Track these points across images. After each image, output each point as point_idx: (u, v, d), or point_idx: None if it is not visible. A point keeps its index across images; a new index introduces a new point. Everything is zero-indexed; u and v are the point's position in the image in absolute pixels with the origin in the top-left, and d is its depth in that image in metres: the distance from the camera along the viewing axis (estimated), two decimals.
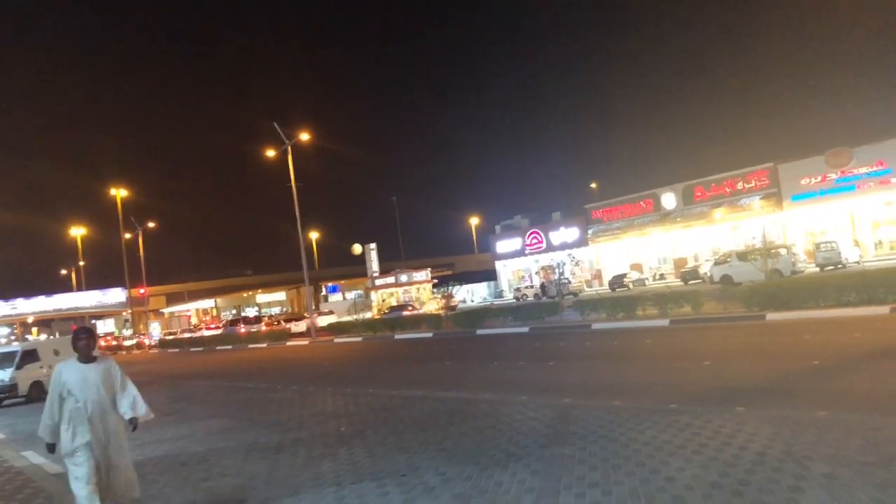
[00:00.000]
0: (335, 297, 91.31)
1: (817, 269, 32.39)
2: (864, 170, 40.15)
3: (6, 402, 20.32)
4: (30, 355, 21.14)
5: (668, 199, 51.95)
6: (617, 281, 48.44)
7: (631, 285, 46.96)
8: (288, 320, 57.06)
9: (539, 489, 5.69)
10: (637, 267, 54.11)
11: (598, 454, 6.54)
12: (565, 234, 60.62)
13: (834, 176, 41.52)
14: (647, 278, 50.55)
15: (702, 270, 40.88)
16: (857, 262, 33.54)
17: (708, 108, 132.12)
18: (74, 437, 5.64)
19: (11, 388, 20.17)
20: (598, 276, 57.24)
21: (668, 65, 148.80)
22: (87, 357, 5.88)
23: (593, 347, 17.28)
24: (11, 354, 21.26)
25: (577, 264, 58.89)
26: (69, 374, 5.77)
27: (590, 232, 57.81)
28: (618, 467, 6.04)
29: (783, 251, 31.25)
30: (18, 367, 20.40)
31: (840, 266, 32.03)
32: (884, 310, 15.71)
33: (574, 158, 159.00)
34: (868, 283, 17.20)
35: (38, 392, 20.41)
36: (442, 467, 6.76)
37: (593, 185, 79.31)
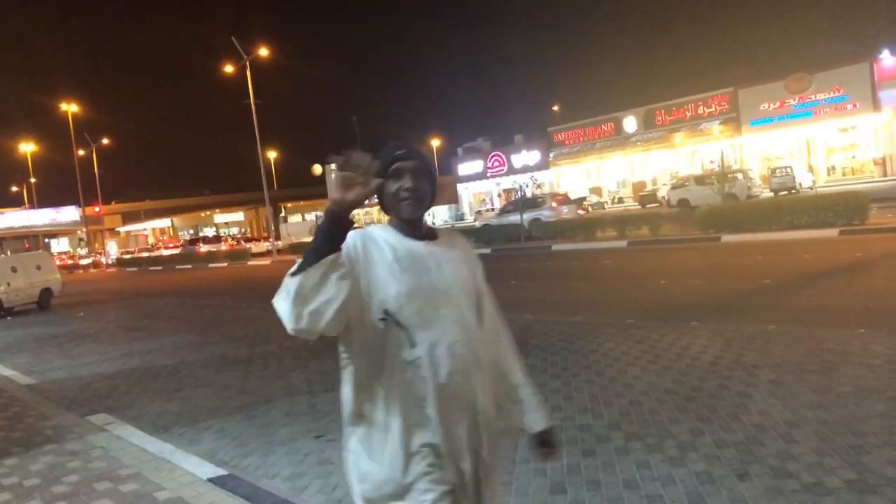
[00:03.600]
0: (294, 219, 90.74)
1: (772, 193, 33.12)
2: (821, 96, 40.66)
3: None
4: None
5: (629, 123, 52.13)
6: (576, 203, 48.93)
7: (590, 208, 47.54)
8: (248, 240, 56.85)
9: None
10: (597, 190, 54.62)
11: (560, 364, 6.86)
12: (527, 156, 60.64)
13: (792, 102, 41.99)
14: (606, 201, 51.16)
15: (660, 194, 41.47)
16: (811, 188, 34.33)
17: (670, 32, 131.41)
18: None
19: None
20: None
21: None
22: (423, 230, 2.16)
23: (554, 267, 17.67)
24: None
25: (538, 187, 59.28)
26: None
27: (551, 155, 57.92)
28: (578, 376, 6.37)
29: (739, 176, 31.82)
30: None
31: (794, 191, 32.77)
32: (833, 232, 16.29)
33: (536, 81, 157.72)
34: (819, 207, 17.74)
35: None
36: None
37: (555, 109, 79.04)
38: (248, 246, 49.75)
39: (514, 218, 29.29)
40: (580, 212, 32.48)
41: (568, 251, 21.35)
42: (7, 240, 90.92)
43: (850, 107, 39.60)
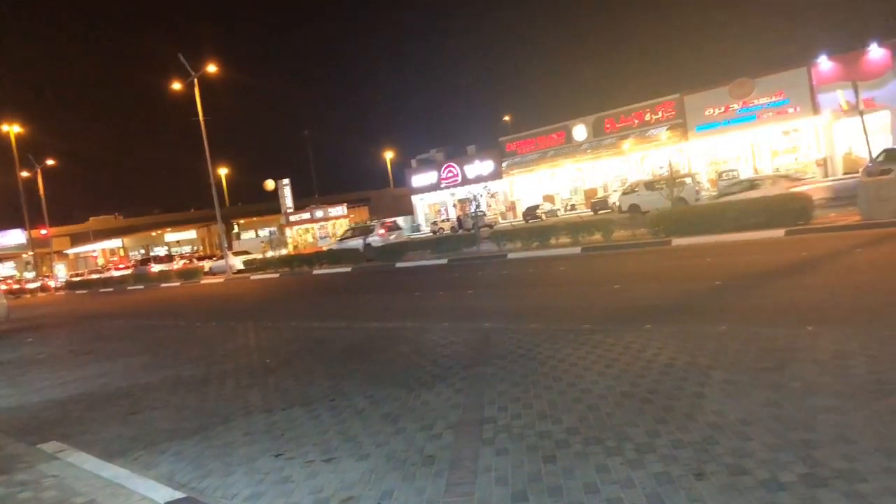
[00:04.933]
0: (248, 235, 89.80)
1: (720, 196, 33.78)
2: (764, 100, 41.78)
3: None
4: None
5: (579, 131, 52.87)
6: (530, 212, 49.36)
7: (544, 216, 47.98)
8: (202, 258, 56.01)
9: (464, 405, 6.01)
10: (549, 198, 55.20)
11: (518, 372, 6.91)
12: (480, 167, 61.03)
13: (736, 106, 43.05)
14: (559, 209, 51.72)
15: (611, 200, 42.09)
16: None
17: (617, 41, 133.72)
18: None
19: None
20: (512, 207, 58.12)
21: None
22: None
23: (510, 276, 17.78)
24: None
25: (492, 196, 59.66)
26: None
27: (504, 164, 58.38)
28: (536, 383, 6.41)
29: (688, 180, 32.47)
30: None
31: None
32: (780, 233, 16.70)
33: (488, 92, 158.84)
34: (766, 208, 18.18)
35: None
36: (370, 391, 7.01)
37: (507, 119, 79.74)
38: (200, 264, 48.95)
39: (353, 243, 35.74)
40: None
41: (523, 259, 21.51)
42: None
43: (791, 110, 40.76)
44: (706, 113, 44.55)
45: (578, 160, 52.77)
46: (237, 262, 43.04)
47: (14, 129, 60.10)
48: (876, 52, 37.10)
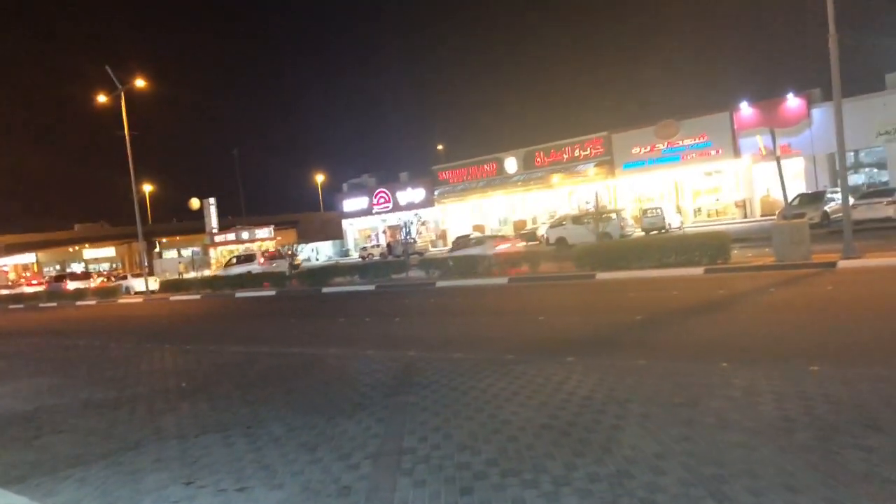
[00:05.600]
0: (170, 254, 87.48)
1: (643, 233, 34.74)
2: (688, 142, 43.26)
3: None
4: None
5: (511, 164, 53.63)
6: (461, 242, 49.62)
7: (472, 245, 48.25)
8: (119, 277, 54.16)
9: (384, 434, 5.94)
10: (480, 228, 55.62)
11: (440, 401, 6.88)
12: (412, 194, 61.17)
13: (662, 146, 44.44)
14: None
15: (539, 232, 42.71)
16: (679, 228, 36.26)
17: (549, 78, 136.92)
18: None
19: None
20: (443, 236, 58.33)
21: (514, 34, 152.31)
22: None
23: (437, 304, 17.78)
24: None
25: (423, 224, 59.80)
26: None
27: (436, 193, 58.66)
28: (458, 413, 6.40)
29: (613, 216, 33.25)
30: None
31: (664, 230, 34.51)
32: (699, 271, 17.21)
33: (422, 120, 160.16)
34: (686, 246, 18.74)
35: None
36: (288, 418, 6.86)
37: (440, 148, 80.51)
38: (119, 283, 47.17)
39: (237, 270, 39.49)
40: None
41: (452, 287, 21.56)
42: None
43: (713, 152, 42.30)
44: (633, 151, 45.85)
45: (509, 192, 53.46)
46: (139, 283, 42.36)
47: None
48: (793, 101, 38.92)
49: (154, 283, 41.54)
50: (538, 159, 51.88)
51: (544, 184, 50.60)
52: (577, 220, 34.17)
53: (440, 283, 22.85)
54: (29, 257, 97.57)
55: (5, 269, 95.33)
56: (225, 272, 40.01)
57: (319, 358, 10.49)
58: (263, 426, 6.65)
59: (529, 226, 49.38)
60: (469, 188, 56.33)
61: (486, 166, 55.66)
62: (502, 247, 29.47)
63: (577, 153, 49.48)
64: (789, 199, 22.71)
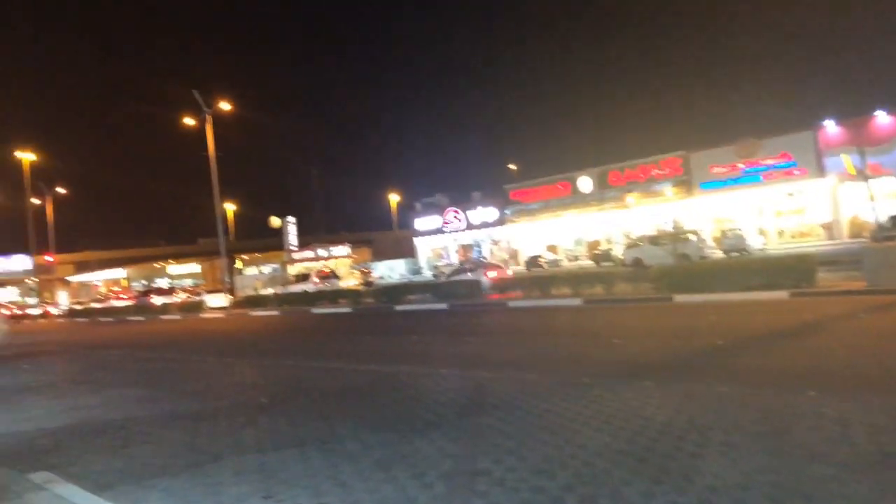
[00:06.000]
0: (251, 271, 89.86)
1: (723, 254, 33.87)
2: (770, 161, 42.09)
3: None
4: None
5: (585, 183, 53.18)
6: (533, 261, 49.43)
7: (546, 266, 48.01)
8: (197, 294, 55.84)
9: (457, 455, 5.93)
10: (552, 248, 55.27)
11: (514, 423, 6.83)
12: (484, 213, 61.28)
13: (742, 166, 43.35)
14: (561, 259, 51.76)
15: (614, 253, 42.17)
16: (761, 249, 35.22)
17: (627, 95, 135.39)
18: None
19: None
20: (514, 256, 58.19)
21: (589, 51, 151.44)
22: None
23: (510, 324, 17.71)
24: None
25: (494, 243, 59.81)
26: None
27: (508, 212, 58.62)
28: (532, 435, 6.34)
29: (692, 237, 32.54)
30: None
31: (744, 252, 33.57)
32: (783, 294, 16.65)
33: (495, 139, 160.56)
34: (770, 269, 18.17)
35: None
36: (363, 435, 6.93)
37: (512, 167, 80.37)
38: (199, 299, 48.61)
39: (295, 288, 42.00)
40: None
41: (524, 308, 21.46)
42: None
43: (796, 172, 41.03)
44: (712, 171, 44.84)
45: (582, 211, 53.00)
46: (214, 300, 45.05)
47: (26, 157, 60.70)
48: (883, 119, 37.45)
49: (225, 300, 42.85)
50: (613, 178, 51.29)
51: (619, 203, 49.96)
52: (654, 240, 33.59)
53: (513, 303, 22.76)
54: (119, 273, 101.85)
55: (97, 283, 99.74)
56: (284, 290, 42.94)
57: (393, 375, 10.57)
58: (339, 442, 6.74)
59: (603, 246, 48.80)
60: (541, 208, 56.08)
61: (559, 185, 55.36)
62: (491, 274, 30.61)
63: (653, 172, 48.73)
64: (881, 221, 21.77)
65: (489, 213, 60.80)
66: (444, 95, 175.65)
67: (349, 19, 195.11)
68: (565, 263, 50.08)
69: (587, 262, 46.63)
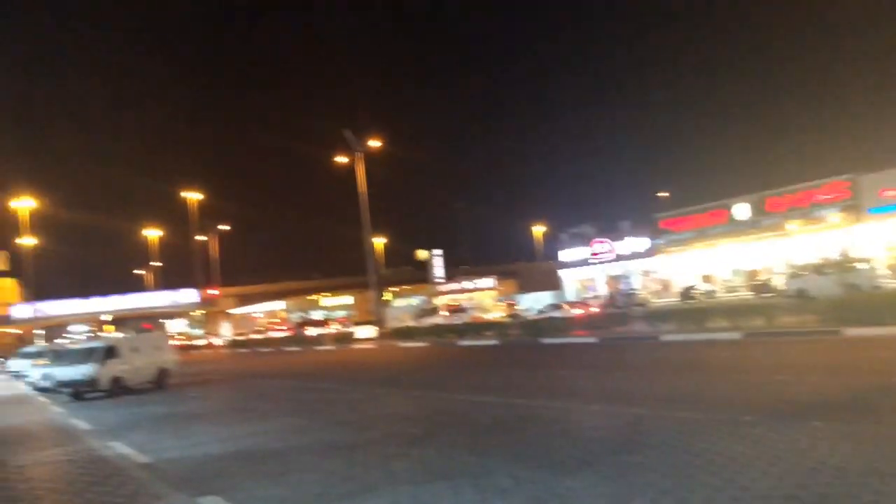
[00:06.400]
0: (399, 303, 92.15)
1: None
2: None
3: (88, 395, 21.21)
4: (110, 351, 21.99)
5: (741, 210, 50.75)
6: (686, 292, 47.56)
7: (701, 297, 46.07)
8: (353, 325, 57.87)
9: (611, 494, 5.75)
10: (708, 278, 52.99)
11: (670, 463, 6.55)
12: (633, 243, 59.82)
13: None
14: (716, 290, 49.49)
15: (774, 283, 39.91)
16: None
17: (783, 117, 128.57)
18: None
19: (93, 382, 21.01)
20: (666, 287, 56.30)
21: (742, 72, 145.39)
22: None
23: (663, 358, 17.10)
24: (94, 350, 22.18)
25: (645, 275, 58.18)
26: None
27: (659, 242, 56.94)
28: (691, 476, 6.05)
29: (863, 265, 30.24)
30: (100, 363, 21.26)
31: None
32: None
33: (643, 168, 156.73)
34: None
35: (117, 387, 21.26)
36: (514, 470, 6.87)
37: (662, 195, 78.04)
38: (350, 330, 50.18)
39: (427, 321, 43.27)
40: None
41: (678, 342, 20.66)
42: (130, 320, 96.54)
43: None
44: (883, 195, 41.60)
45: (739, 240, 50.53)
46: (361, 331, 46.05)
47: (193, 197, 65.74)
48: None
49: (374, 332, 44.11)
50: (772, 205, 48.65)
51: (779, 231, 47.29)
52: (819, 269, 31.45)
53: (666, 337, 21.98)
54: (277, 305, 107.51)
55: (257, 315, 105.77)
56: (417, 323, 44.39)
57: (542, 410, 10.45)
58: (490, 477, 6.71)
59: (763, 276, 46.26)
60: (694, 237, 54.07)
61: (712, 213, 53.13)
62: (576, 311, 30.65)
63: (817, 197, 45.81)
64: None
65: (639, 243, 59.29)
66: (590, 124, 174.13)
67: (494, 53, 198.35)
68: (721, 294, 47.85)
69: (745, 294, 44.36)
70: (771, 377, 11.82)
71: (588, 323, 27.88)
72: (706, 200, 54.51)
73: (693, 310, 24.65)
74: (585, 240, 66.02)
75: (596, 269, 64.37)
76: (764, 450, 6.68)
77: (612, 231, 63.62)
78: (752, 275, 49.30)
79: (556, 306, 38.71)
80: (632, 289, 49.88)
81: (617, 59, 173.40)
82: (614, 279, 60.21)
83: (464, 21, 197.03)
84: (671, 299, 49.72)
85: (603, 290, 60.58)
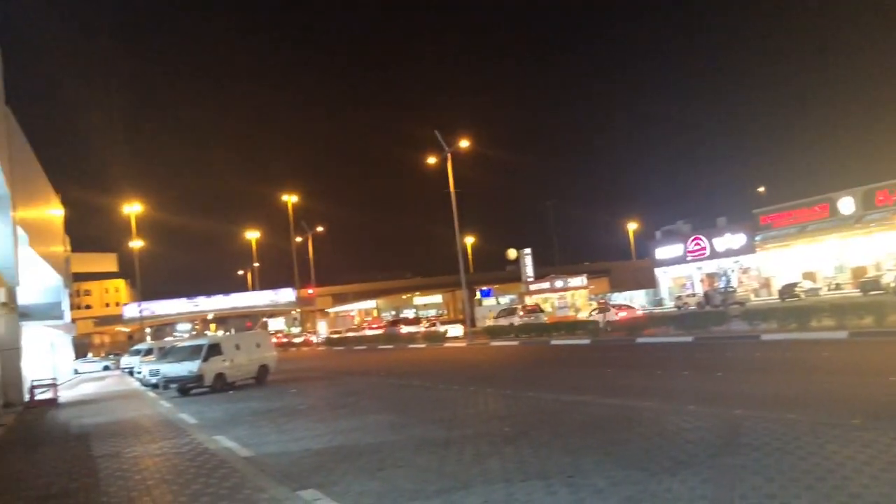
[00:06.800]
0: (488, 301, 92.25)
1: None
2: None
3: (194, 390, 22.15)
4: (214, 349, 22.88)
5: (846, 204, 48.41)
6: (788, 290, 45.69)
7: (803, 295, 44.19)
8: (444, 323, 58.27)
9: (711, 497, 5.61)
10: (810, 276, 50.79)
11: (774, 466, 6.34)
12: (730, 240, 57.94)
13: None
14: (820, 288, 47.36)
15: (884, 280, 37.88)
16: None
17: (888, 106, 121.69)
18: None
19: (198, 378, 21.92)
20: (766, 284, 54.27)
21: (845, 59, 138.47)
22: None
23: (764, 358, 16.51)
24: (199, 347, 23.13)
25: (743, 272, 56.23)
26: None
27: (757, 238, 54.93)
28: (796, 480, 5.84)
29: None
30: (205, 360, 22.15)
31: None
32: None
33: (740, 162, 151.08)
34: None
35: (221, 383, 22.13)
36: (609, 471, 6.79)
37: (761, 190, 75.16)
38: (442, 329, 50.39)
39: (503, 321, 43.82)
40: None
41: (779, 341, 19.90)
42: (232, 319, 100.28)
43: None
44: None
45: (844, 235, 48.23)
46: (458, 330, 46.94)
47: (291, 199, 67.76)
48: None
49: (463, 330, 44.40)
50: (880, 198, 46.19)
51: (889, 225, 44.87)
52: None
53: (766, 336, 21.20)
54: (370, 304, 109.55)
55: (352, 314, 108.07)
56: (495, 322, 44.32)
57: (637, 410, 10.28)
58: (585, 477, 6.66)
59: (871, 273, 43.97)
60: (795, 232, 51.91)
61: (815, 208, 50.91)
62: (621, 314, 30.29)
63: None
64: None
65: (736, 239, 57.38)
66: (684, 118, 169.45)
67: (587, 50, 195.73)
68: (825, 292, 45.75)
69: (851, 291, 42.28)
70: (882, 379, 11.25)
71: (682, 322, 27.17)
72: (809, 195, 52.27)
73: (795, 308, 23.67)
74: (681, 237, 64.40)
75: (691, 267, 62.69)
76: (875, 454, 6.37)
77: (707, 228, 61.82)
78: (858, 271, 46.95)
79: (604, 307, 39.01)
80: (729, 287, 48.21)
81: (709, 56, 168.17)
82: (711, 277, 58.49)
83: (555, 15, 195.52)
84: (771, 297, 47.90)
85: (699, 288, 58.93)
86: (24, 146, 25.09)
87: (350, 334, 64.05)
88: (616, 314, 35.67)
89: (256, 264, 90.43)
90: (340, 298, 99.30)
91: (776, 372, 14.13)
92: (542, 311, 47.94)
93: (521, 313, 45.27)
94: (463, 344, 38.77)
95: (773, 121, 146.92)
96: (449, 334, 45.50)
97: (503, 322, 42.70)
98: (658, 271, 67.52)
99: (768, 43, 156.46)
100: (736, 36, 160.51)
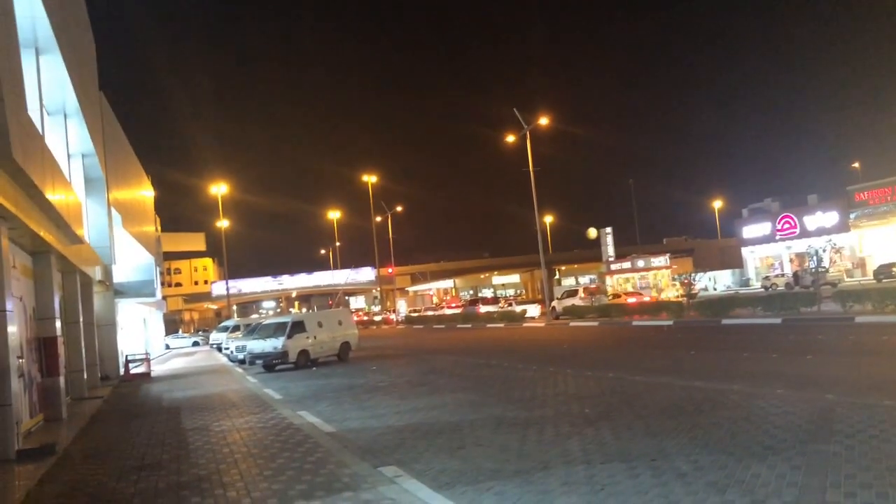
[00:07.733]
0: (568, 281, 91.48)
1: None
2: None
3: (278, 366, 22.79)
4: (298, 326, 23.46)
5: None
6: (884, 270, 43.63)
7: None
8: (521, 303, 58.06)
9: (802, 484, 5.43)
10: None
11: (870, 454, 6.08)
12: (822, 218, 55.67)
13: None
14: None
15: None
16: None
17: None
18: None
19: (283, 355, 22.54)
20: (860, 264, 51.99)
21: None
22: None
23: (858, 342, 15.83)
24: (283, 325, 23.73)
25: (836, 251, 53.95)
26: None
27: (851, 216, 52.60)
28: (892, 469, 5.59)
29: None
30: (289, 337, 22.74)
31: None
32: None
33: (831, 136, 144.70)
34: None
35: (304, 359, 22.71)
36: (693, 455, 6.66)
37: (855, 165, 71.82)
38: (521, 308, 50.08)
39: (566, 302, 42.48)
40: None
41: (875, 324, 19.03)
42: (314, 297, 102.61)
43: None
44: None
45: None
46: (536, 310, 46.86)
47: (371, 180, 68.59)
48: None
49: (541, 310, 44.28)
50: None
51: None
52: None
53: (861, 319, 20.31)
54: (448, 283, 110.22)
55: (430, 293, 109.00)
56: (559, 303, 43.51)
57: (722, 393, 10.01)
58: (668, 460, 6.54)
59: None
60: (894, 209, 49.43)
61: None
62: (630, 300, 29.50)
63: None
64: None
65: (828, 217, 55.10)
66: (772, 93, 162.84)
67: (667, 22, 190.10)
68: None
69: None
70: None
71: (770, 303, 26.29)
72: None
73: (893, 289, 22.53)
74: (769, 215, 62.26)
75: (780, 247, 60.57)
76: None
77: (797, 205, 59.60)
78: None
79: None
80: (820, 266, 46.36)
81: (798, 27, 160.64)
82: (800, 256, 56.40)
83: None
84: (866, 278, 45.86)
85: (788, 268, 56.91)
86: (116, 131, 26.11)
87: (429, 313, 64.58)
88: (624, 300, 35.84)
89: (338, 244, 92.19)
90: (418, 277, 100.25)
91: (871, 356, 13.51)
92: (604, 292, 47.30)
93: (584, 294, 44.56)
94: (541, 324, 38.59)
95: (867, 91, 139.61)
96: (529, 314, 45.36)
97: (567, 303, 42.03)
98: (745, 251, 65.58)
99: (863, 21, 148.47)
100: (829, 12, 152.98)
